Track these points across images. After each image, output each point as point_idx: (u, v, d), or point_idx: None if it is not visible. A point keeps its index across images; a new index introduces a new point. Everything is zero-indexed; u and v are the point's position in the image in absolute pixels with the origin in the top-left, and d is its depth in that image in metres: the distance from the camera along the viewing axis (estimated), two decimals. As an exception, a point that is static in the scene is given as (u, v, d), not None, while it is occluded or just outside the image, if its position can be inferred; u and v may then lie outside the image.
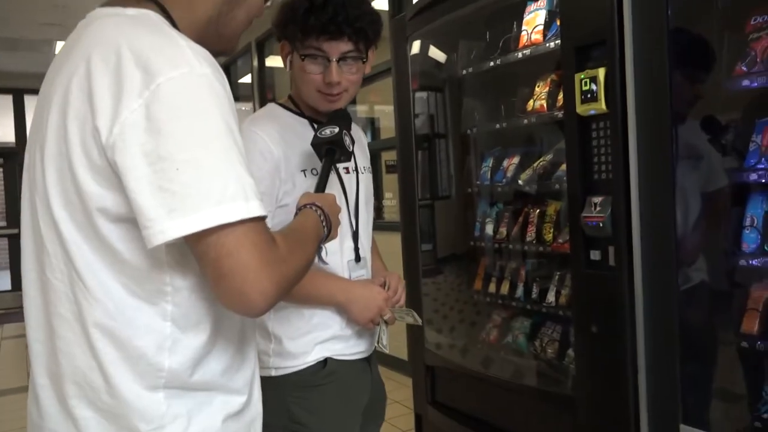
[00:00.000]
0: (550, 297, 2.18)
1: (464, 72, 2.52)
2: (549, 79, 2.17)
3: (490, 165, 2.50)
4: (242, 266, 0.76)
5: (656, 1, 1.55)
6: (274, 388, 1.32)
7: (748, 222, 1.58)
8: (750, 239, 1.57)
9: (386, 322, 1.46)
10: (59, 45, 6.86)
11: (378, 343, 1.47)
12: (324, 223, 1.08)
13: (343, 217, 1.36)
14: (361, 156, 1.55)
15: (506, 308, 2.45)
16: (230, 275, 0.76)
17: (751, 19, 1.55)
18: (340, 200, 1.36)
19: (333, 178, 1.39)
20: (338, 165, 1.40)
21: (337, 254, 1.43)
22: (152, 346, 0.83)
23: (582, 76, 1.69)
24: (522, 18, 2.20)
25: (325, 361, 1.41)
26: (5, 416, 3.90)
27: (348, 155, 1.33)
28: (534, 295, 2.28)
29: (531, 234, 2.27)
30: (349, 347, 1.45)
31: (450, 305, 2.72)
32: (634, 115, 1.61)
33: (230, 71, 7.13)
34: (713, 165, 1.66)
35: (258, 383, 0.99)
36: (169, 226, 0.74)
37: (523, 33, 2.17)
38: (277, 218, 1.32)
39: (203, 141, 0.76)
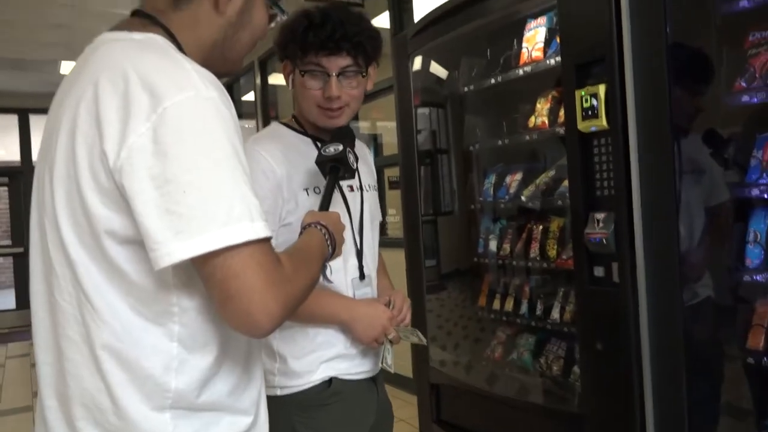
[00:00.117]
0: (555, 313, 2.17)
1: (466, 89, 2.53)
2: (550, 96, 2.18)
3: (493, 181, 2.49)
4: (248, 287, 0.76)
5: (655, 17, 1.56)
6: (280, 408, 1.31)
7: (751, 237, 1.58)
8: (753, 254, 1.57)
9: (391, 342, 1.45)
10: (64, 65, 6.91)
11: (382, 362, 1.46)
12: (329, 242, 1.08)
13: (347, 234, 1.36)
14: (367, 173, 1.56)
15: (511, 325, 2.43)
16: (236, 297, 0.76)
17: (749, 35, 1.57)
18: (344, 218, 1.36)
19: (337, 196, 1.39)
20: (342, 182, 1.40)
21: (341, 272, 1.43)
22: (159, 366, 0.83)
23: (582, 93, 1.70)
24: (522, 35, 2.22)
25: (330, 381, 1.41)
26: (9, 436, 3.90)
27: (352, 172, 1.34)
28: (538, 312, 2.26)
29: (534, 250, 2.26)
30: (354, 366, 1.44)
31: (454, 321, 2.70)
32: (635, 131, 1.61)
33: (233, 89, 7.20)
34: (715, 179, 1.66)
35: (264, 403, 0.99)
36: (175, 248, 0.75)
37: (524, 50, 2.19)
38: (281, 237, 1.32)
39: (209, 163, 0.77)
